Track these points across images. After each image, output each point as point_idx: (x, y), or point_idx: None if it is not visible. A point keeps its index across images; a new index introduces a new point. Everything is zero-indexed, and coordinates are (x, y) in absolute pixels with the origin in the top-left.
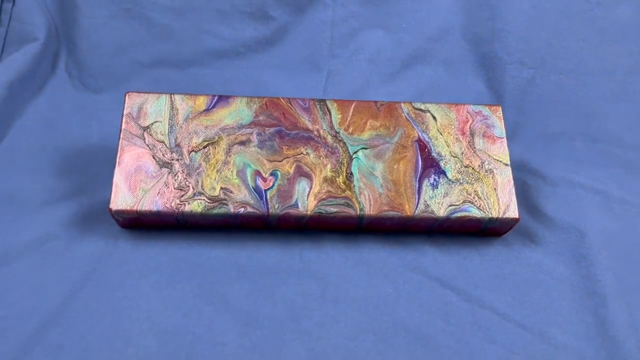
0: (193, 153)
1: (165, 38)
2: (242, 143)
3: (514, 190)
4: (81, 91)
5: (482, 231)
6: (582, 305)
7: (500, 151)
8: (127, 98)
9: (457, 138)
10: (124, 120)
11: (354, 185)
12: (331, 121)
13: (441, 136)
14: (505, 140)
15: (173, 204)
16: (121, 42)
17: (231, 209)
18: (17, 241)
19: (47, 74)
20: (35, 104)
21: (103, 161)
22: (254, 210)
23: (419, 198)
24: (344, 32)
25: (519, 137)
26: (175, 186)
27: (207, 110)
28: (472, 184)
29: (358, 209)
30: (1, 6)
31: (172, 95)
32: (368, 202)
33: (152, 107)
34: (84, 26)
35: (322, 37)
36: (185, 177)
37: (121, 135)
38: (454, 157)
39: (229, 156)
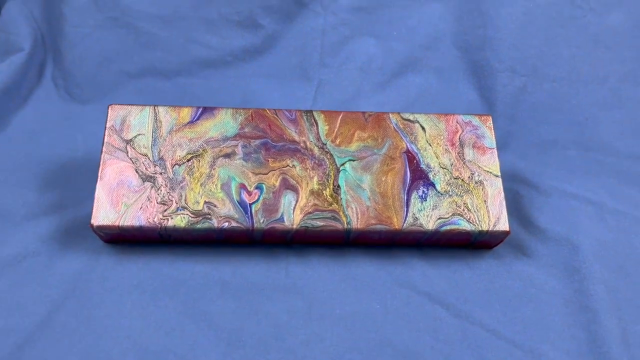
0: (177, 166)
1: (152, 47)
2: (227, 155)
3: (504, 203)
4: (67, 102)
5: (473, 244)
6: (574, 321)
7: (491, 162)
8: (110, 110)
9: (446, 149)
10: (106, 134)
11: (341, 198)
12: (318, 132)
13: (430, 147)
14: (495, 151)
15: (156, 219)
16: (108, 51)
17: (215, 223)
18: None
19: (33, 85)
20: (21, 115)
21: (87, 174)
22: (239, 225)
23: (407, 211)
24: (334, 40)
25: (511, 146)
26: (159, 200)
27: (192, 122)
28: (462, 196)
29: (345, 222)
30: None
31: (155, 107)
32: (355, 215)
33: (136, 120)
34: (71, 36)
35: (312, 46)
36: (168, 191)
37: (103, 149)
38: (443, 168)
39: (214, 169)
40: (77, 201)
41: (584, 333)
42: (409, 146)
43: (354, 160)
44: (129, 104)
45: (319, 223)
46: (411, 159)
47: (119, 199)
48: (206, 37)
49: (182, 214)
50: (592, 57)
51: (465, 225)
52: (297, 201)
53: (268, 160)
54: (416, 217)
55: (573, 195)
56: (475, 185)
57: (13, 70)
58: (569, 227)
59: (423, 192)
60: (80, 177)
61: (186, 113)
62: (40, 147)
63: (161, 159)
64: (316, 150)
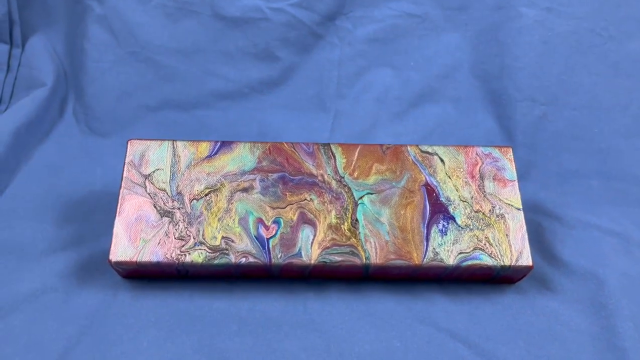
0: (195, 201)
1: (170, 80)
2: (245, 190)
3: (526, 236)
4: (87, 135)
5: (495, 279)
6: (602, 359)
7: (512, 195)
8: (129, 145)
9: (466, 182)
10: (125, 169)
11: (360, 233)
12: (335, 165)
13: (450, 180)
14: (516, 183)
15: (173, 255)
16: (127, 85)
17: (232, 259)
18: (14, 293)
19: (55, 119)
20: (42, 149)
21: (105, 209)
22: (256, 260)
23: (427, 245)
24: (351, 71)
25: (532, 176)
26: (176, 236)
27: (210, 156)
28: (483, 229)
29: (364, 257)
30: (10, 52)
31: (174, 142)
32: (374, 250)
33: (154, 155)
34: (91, 70)
35: (329, 77)
36: (186, 226)
37: (122, 184)
38: (464, 201)
39: (231, 204)
40: (95, 236)
41: None
42: (428, 179)
43: (372, 194)
44: (148, 139)
45: (337, 258)
46: (430, 192)
47: (137, 234)
48: (224, 69)
49: (200, 249)
50: (613, 85)
51: (487, 260)
52: (314, 236)
53: (286, 194)
54: (436, 252)
55: (597, 227)
56: (497, 218)
57: (36, 105)
58: (594, 260)
59: (443, 225)
60: (98, 211)
61: (204, 147)
62: (60, 181)
63: (179, 193)
64: (334, 184)
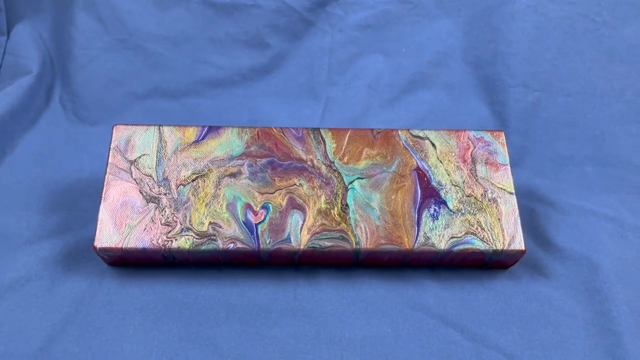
0: (181, 187)
1: (159, 68)
2: (233, 175)
3: (519, 221)
4: (75, 123)
5: (487, 264)
6: (596, 344)
7: (504, 179)
8: (114, 131)
9: (458, 166)
10: (110, 154)
11: (350, 218)
12: (325, 150)
13: (441, 164)
14: (509, 167)
15: (160, 241)
16: (115, 73)
17: (220, 244)
18: None
19: (41, 107)
20: (28, 137)
21: (92, 196)
22: (244, 246)
23: (418, 230)
24: (342, 58)
25: (526, 162)
26: (163, 222)
27: (197, 141)
28: (475, 214)
29: (354, 242)
30: None
31: (160, 127)
32: (364, 235)
33: (140, 140)
34: (79, 58)
35: (319, 64)
36: (172, 212)
37: (107, 170)
38: (455, 186)
39: (219, 189)
40: (82, 223)
41: (607, 358)
42: (419, 163)
43: (362, 179)
44: (134, 124)
45: (327, 243)
46: (422, 176)
47: (122, 220)
48: (214, 57)
49: (187, 235)
50: (607, 71)
51: (479, 245)
52: (304, 221)
53: (274, 180)
54: (428, 237)
55: (592, 212)
56: (489, 203)
57: (21, 93)
58: (588, 246)
59: (434, 210)
60: (85, 198)
61: (191, 132)
62: (46, 169)
63: (166, 179)
64: (323, 169)
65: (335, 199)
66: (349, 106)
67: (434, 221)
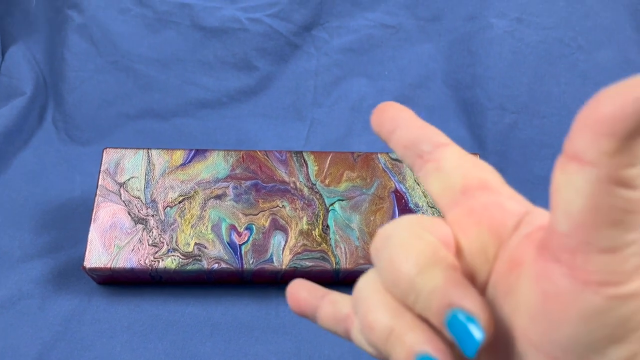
0: (168, 208)
1: (150, 90)
2: (218, 197)
3: None
4: (67, 144)
5: None
6: None
7: None
8: (104, 154)
9: None
10: (100, 177)
11: (330, 238)
12: (308, 173)
13: (418, 187)
14: None
15: (147, 261)
16: (107, 94)
17: (205, 264)
18: None
19: (34, 127)
20: (21, 157)
21: (82, 216)
22: (228, 266)
23: None
24: (327, 80)
25: None
26: (150, 242)
27: (184, 164)
28: None
29: (334, 262)
30: None
31: (149, 150)
32: (344, 255)
33: (129, 163)
34: (71, 79)
35: (305, 86)
36: (160, 233)
37: (97, 192)
38: (432, 207)
39: (204, 211)
40: (72, 243)
41: None
42: (397, 186)
43: (342, 200)
44: (123, 147)
45: (308, 263)
46: (399, 198)
47: (111, 241)
48: (203, 79)
49: (173, 255)
50: (581, 94)
51: None
52: (286, 241)
53: (258, 201)
54: None
55: None
56: None
57: (15, 114)
58: None
59: None
60: (76, 218)
61: (179, 155)
62: (38, 188)
63: (153, 201)
64: (306, 191)
65: (317, 220)
66: (333, 127)
67: None
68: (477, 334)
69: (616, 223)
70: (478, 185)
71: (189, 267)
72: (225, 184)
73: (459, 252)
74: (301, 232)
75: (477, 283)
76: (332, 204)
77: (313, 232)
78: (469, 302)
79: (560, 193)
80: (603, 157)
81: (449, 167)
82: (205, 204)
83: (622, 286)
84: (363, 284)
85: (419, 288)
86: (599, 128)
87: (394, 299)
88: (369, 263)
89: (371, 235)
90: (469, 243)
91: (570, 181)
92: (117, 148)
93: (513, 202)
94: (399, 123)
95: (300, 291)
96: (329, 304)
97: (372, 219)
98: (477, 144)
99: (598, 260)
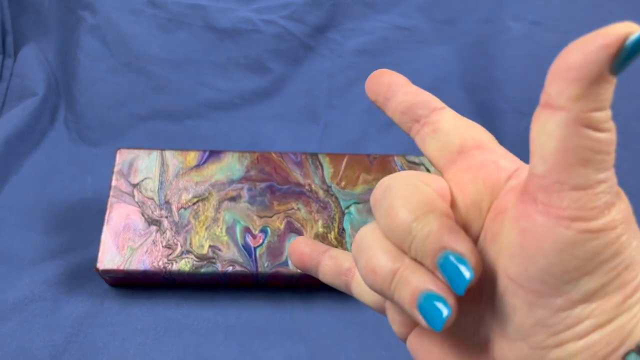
0: (182, 210)
1: (162, 91)
2: (233, 199)
3: None
4: (79, 144)
5: None
6: None
7: None
8: (118, 154)
9: None
10: (114, 178)
11: (346, 242)
12: (323, 175)
13: None
14: None
15: (161, 263)
16: (119, 95)
17: (219, 267)
18: (3, 302)
19: (46, 128)
20: (33, 158)
21: (95, 217)
22: (243, 269)
23: None
24: (341, 82)
25: None
26: (164, 244)
27: (198, 165)
28: None
29: None
30: (3, 62)
31: (163, 152)
32: None
33: (143, 164)
34: (83, 80)
35: (319, 88)
36: (173, 234)
37: (110, 193)
38: None
39: (219, 212)
40: (84, 244)
41: None
42: None
43: (359, 203)
44: (137, 148)
45: None
46: None
47: (124, 242)
48: (216, 80)
49: (187, 257)
50: None
51: None
52: None
53: (273, 204)
54: None
55: None
56: None
57: (27, 115)
58: None
59: None
60: (88, 219)
61: (193, 157)
62: (50, 189)
63: (167, 202)
64: (321, 193)
65: (332, 224)
66: (347, 130)
67: None
68: (467, 273)
69: (586, 162)
70: (474, 145)
71: (203, 270)
72: (239, 185)
73: (454, 205)
74: (317, 235)
75: (470, 234)
76: (348, 207)
77: (329, 235)
78: (461, 245)
79: (536, 139)
80: (571, 101)
81: (446, 129)
82: (219, 205)
83: (593, 221)
84: (363, 234)
85: (414, 233)
86: (567, 75)
87: (394, 246)
88: None
89: None
90: (465, 197)
91: (544, 127)
92: (130, 149)
93: (506, 160)
94: (394, 90)
95: (303, 247)
96: (330, 259)
97: None
98: None
99: (570, 197)
